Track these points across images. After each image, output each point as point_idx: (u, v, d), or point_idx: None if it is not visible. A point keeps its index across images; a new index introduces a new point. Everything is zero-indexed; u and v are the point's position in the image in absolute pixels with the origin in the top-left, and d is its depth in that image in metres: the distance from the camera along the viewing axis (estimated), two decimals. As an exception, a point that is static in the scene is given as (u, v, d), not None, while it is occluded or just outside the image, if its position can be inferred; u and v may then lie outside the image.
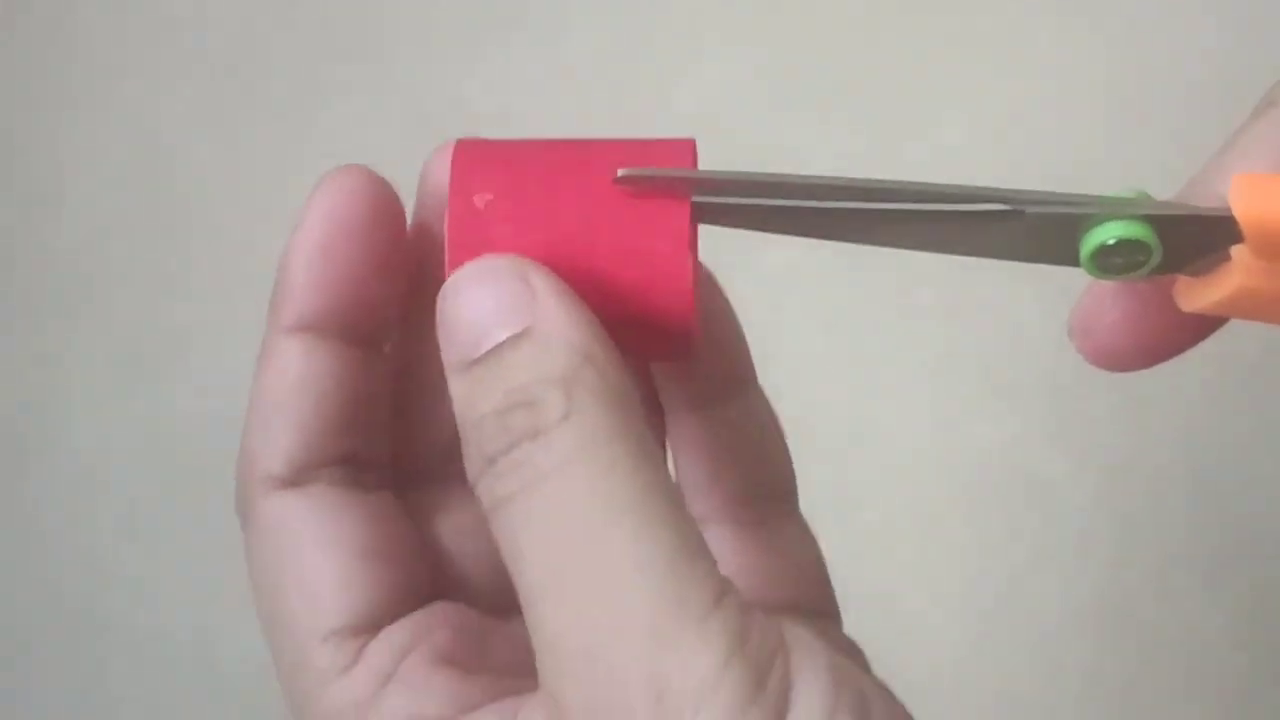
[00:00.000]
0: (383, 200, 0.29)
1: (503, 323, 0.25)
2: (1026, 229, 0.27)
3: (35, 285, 0.68)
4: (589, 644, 0.23)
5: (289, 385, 0.28)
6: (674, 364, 0.31)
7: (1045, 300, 0.60)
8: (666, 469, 0.25)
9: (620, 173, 0.26)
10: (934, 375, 0.61)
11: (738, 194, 0.27)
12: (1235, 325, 0.62)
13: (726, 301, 0.31)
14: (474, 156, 0.28)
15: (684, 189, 0.27)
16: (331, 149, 0.75)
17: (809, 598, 0.31)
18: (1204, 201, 0.27)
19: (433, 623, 0.27)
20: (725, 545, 0.31)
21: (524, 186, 0.27)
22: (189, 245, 0.68)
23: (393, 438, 0.30)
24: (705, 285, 0.31)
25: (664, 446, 0.32)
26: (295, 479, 0.28)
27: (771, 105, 0.64)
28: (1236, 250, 0.26)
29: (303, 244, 0.28)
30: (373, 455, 0.29)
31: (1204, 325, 0.29)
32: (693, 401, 0.31)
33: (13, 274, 0.68)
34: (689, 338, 0.27)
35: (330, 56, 0.70)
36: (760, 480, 0.32)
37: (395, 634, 0.27)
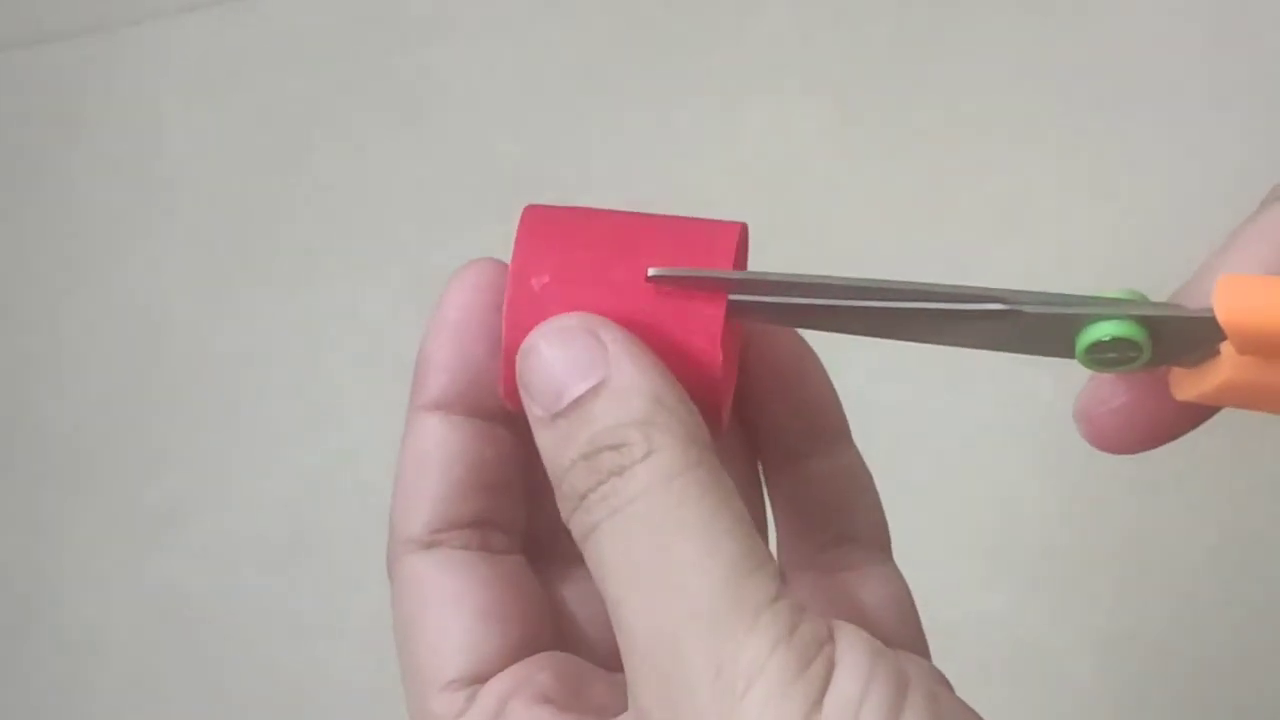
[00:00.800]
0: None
1: (581, 377, 0.28)
2: (1025, 326, 0.29)
3: (32, 457, 0.68)
4: (660, 635, 0.26)
5: (424, 457, 0.31)
6: (763, 422, 0.33)
7: (1043, 469, 0.60)
8: (734, 495, 0.28)
9: (650, 272, 0.29)
10: (933, 549, 0.57)
11: (767, 293, 0.29)
12: (1242, 496, 0.59)
13: (817, 361, 0.34)
14: (535, 238, 0.30)
15: (722, 287, 0.29)
16: (328, 323, 0.68)
17: (895, 637, 0.33)
18: (1198, 298, 0.28)
19: (536, 668, 0.30)
20: (816, 587, 0.34)
21: (577, 272, 0.29)
22: (185, 417, 0.67)
23: (525, 511, 0.33)
24: (794, 345, 0.33)
25: (761, 495, 0.35)
26: (430, 541, 0.31)
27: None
28: (1225, 345, 0.28)
29: (435, 333, 0.31)
30: (502, 520, 0.32)
31: (1199, 412, 0.30)
32: (785, 455, 0.34)
33: (10, 446, 0.68)
34: (717, 426, 0.30)
35: (327, 231, 0.69)
36: (850, 529, 0.34)
37: (501, 681, 0.30)
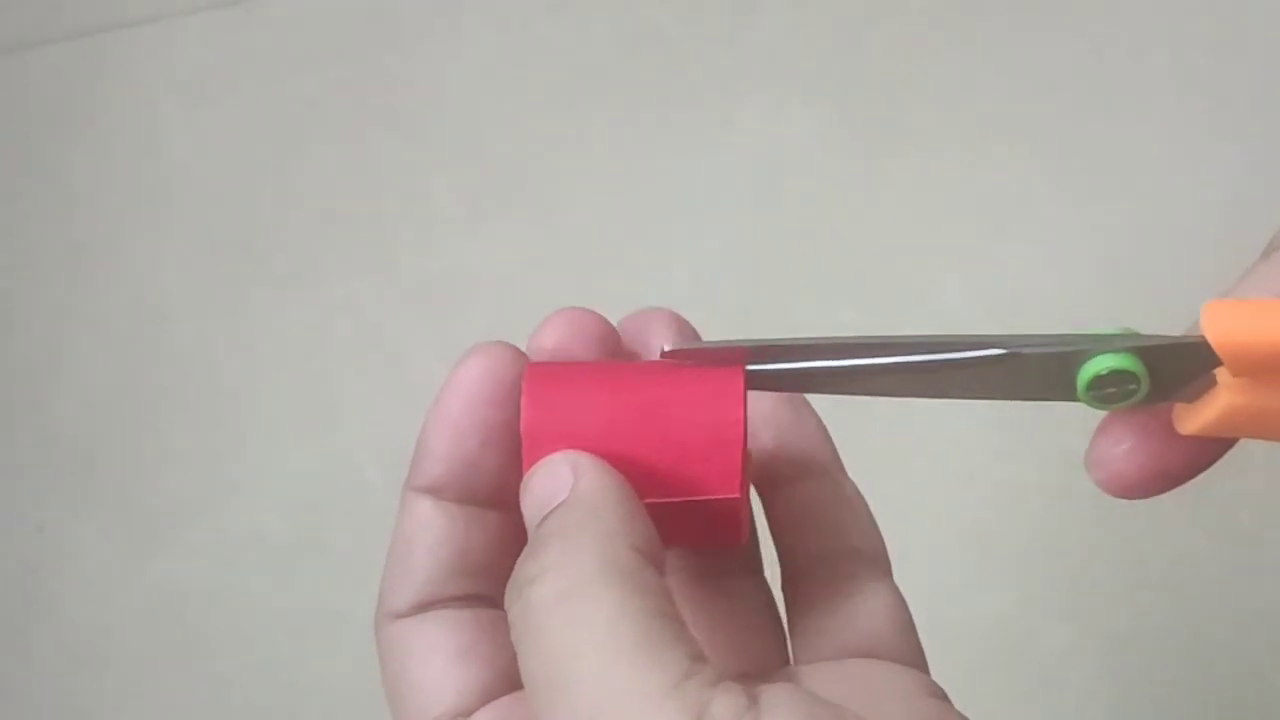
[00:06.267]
0: (516, 379, 0.31)
1: (553, 499, 0.30)
2: (1026, 370, 0.29)
3: (33, 455, 0.67)
4: None
5: (412, 537, 0.32)
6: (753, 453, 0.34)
7: (1043, 467, 0.60)
8: (648, 592, 0.27)
9: (665, 349, 0.31)
10: (934, 544, 0.57)
11: (773, 360, 0.30)
12: (1239, 496, 0.59)
13: (802, 399, 0.35)
14: (542, 432, 0.31)
15: (734, 358, 0.30)
16: (331, 320, 0.68)
17: (890, 649, 0.33)
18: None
19: (515, 705, 0.30)
20: (812, 600, 0.34)
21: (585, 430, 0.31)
22: (185, 417, 0.67)
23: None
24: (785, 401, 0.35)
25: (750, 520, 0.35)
26: (413, 613, 0.32)
27: (766, 277, 0.63)
28: (1220, 372, 0.28)
29: (435, 419, 0.32)
30: (491, 596, 0.32)
31: (1209, 451, 0.31)
32: (777, 481, 0.35)
33: (11, 446, 0.68)
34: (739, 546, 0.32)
35: (330, 228, 0.69)
36: (846, 545, 0.34)
37: (487, 713, 0.30)
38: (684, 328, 0.34)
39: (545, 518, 0.29)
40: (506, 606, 0.29)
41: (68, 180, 0.72)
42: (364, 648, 0.62)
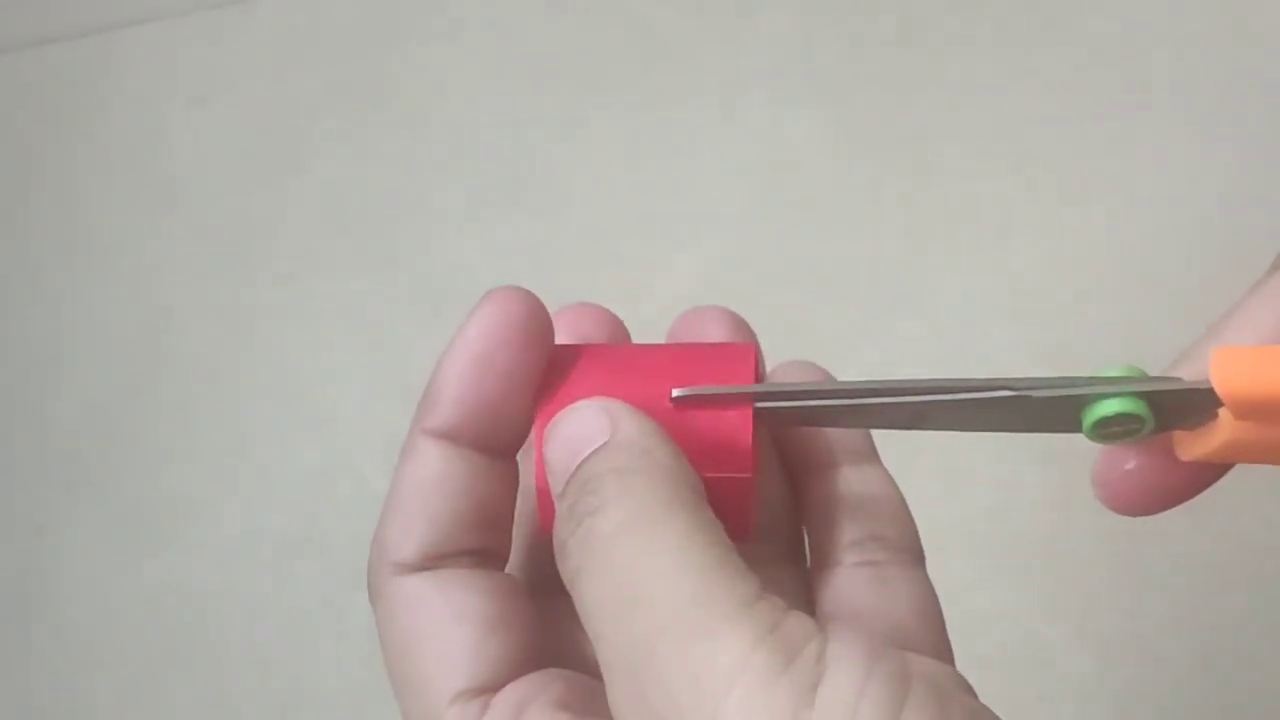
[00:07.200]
0: (536, 324, 0.31)
1: (588, 443, 0.29)
2: (1033, 409, 0.30)
3: (34, 456, 0.67)
4: (634, 653, 0.26)
5: (426, 484, 0.31)
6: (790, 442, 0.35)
7: (1043, 471, 0.60)
8: (714, 526, 0.28)
9: (675, 393, 0.30)
10: (934, 544, 0.56)
11: (788, 400, 0.31)
12: (1239, 498, 0.58)
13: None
14: (561, 372, 0.31)
15: (744, 400, 0.30)
16: (332, 321, 0.68)
17: (918, 640, 0.33)
18: (1197, 369, 0.29)
19: (549, 679, 0.30)
20: (841, 584, 0.33)
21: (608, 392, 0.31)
22: (186, 416, 0.67)
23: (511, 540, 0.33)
24: (813, 373, 0.35)
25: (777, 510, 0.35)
26: (424, 566, 0.31)
27: (766, 276, 0.63)
28: (1223, 410, 0.29)
29: (456, 360, 0.31)
30: (498, 550, 0.32)
31: (1211, 471, 0.31)
32: (815, 467, 0.35)
33: (11, 446, 0.68)
34: (748, 525, 0.31)
35: (332, 229, 0.69)
36: (878, 530, 0.34)
37: (517, 689, 0.29)
38: (739, 325, 0.34)
39: (587, 459, 0.29)
40: (560, 542, 0.29)
41: (69, 180, 0.72)
42: (364, 648, 0.63)
